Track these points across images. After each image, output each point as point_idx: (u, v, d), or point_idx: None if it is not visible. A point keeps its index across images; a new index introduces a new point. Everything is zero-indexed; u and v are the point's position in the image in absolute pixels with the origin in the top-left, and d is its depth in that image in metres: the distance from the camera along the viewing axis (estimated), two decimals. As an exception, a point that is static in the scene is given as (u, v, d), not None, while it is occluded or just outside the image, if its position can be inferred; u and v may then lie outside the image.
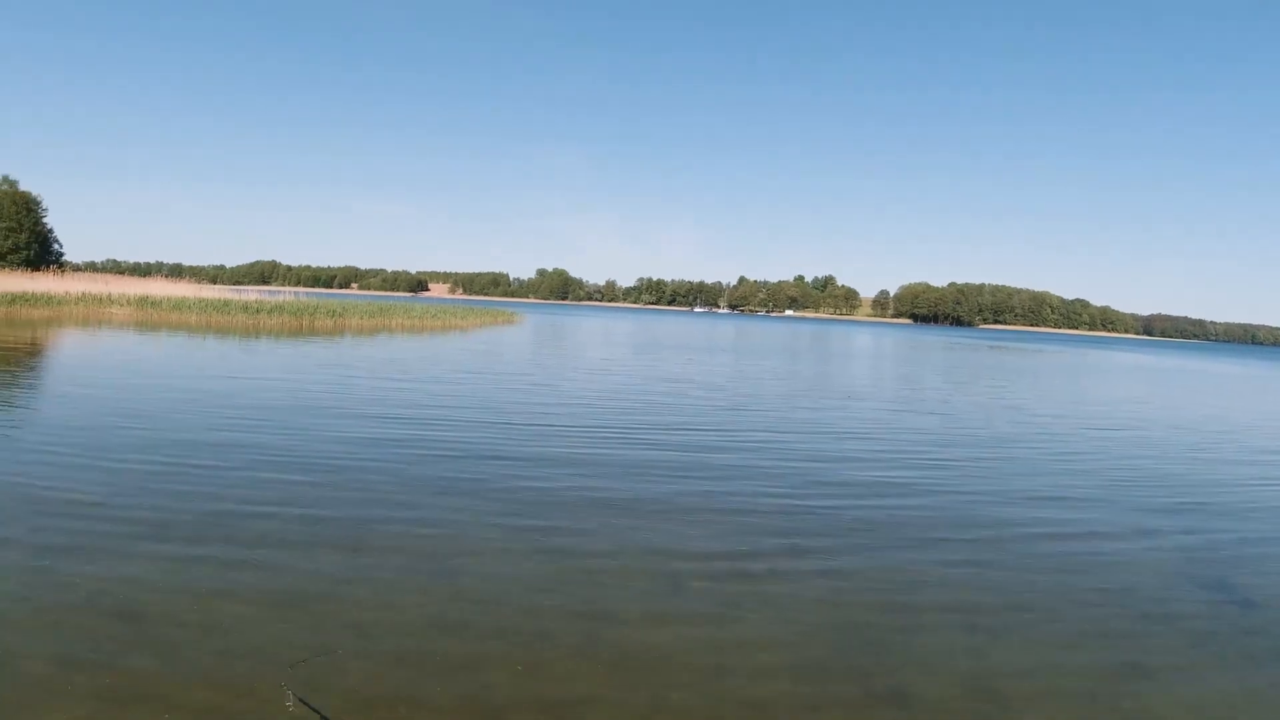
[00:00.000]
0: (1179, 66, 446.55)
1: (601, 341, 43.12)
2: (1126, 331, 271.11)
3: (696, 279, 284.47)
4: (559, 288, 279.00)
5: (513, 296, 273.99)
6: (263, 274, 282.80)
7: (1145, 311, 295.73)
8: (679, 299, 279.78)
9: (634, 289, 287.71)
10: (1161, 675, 4.93)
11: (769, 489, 9.21)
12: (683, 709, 4.23)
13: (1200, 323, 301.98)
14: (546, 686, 4.38)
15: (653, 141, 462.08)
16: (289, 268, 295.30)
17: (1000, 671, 4.87)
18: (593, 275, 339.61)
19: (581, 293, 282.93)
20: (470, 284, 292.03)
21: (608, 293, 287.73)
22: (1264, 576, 7.10)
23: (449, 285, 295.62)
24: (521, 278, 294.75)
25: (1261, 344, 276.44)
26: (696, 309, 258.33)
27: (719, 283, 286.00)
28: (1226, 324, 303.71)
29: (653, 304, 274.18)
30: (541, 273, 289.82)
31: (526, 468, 9.65)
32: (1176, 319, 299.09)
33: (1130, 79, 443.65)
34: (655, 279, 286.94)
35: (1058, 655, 5.15)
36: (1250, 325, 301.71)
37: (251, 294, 49.31)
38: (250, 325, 36.01)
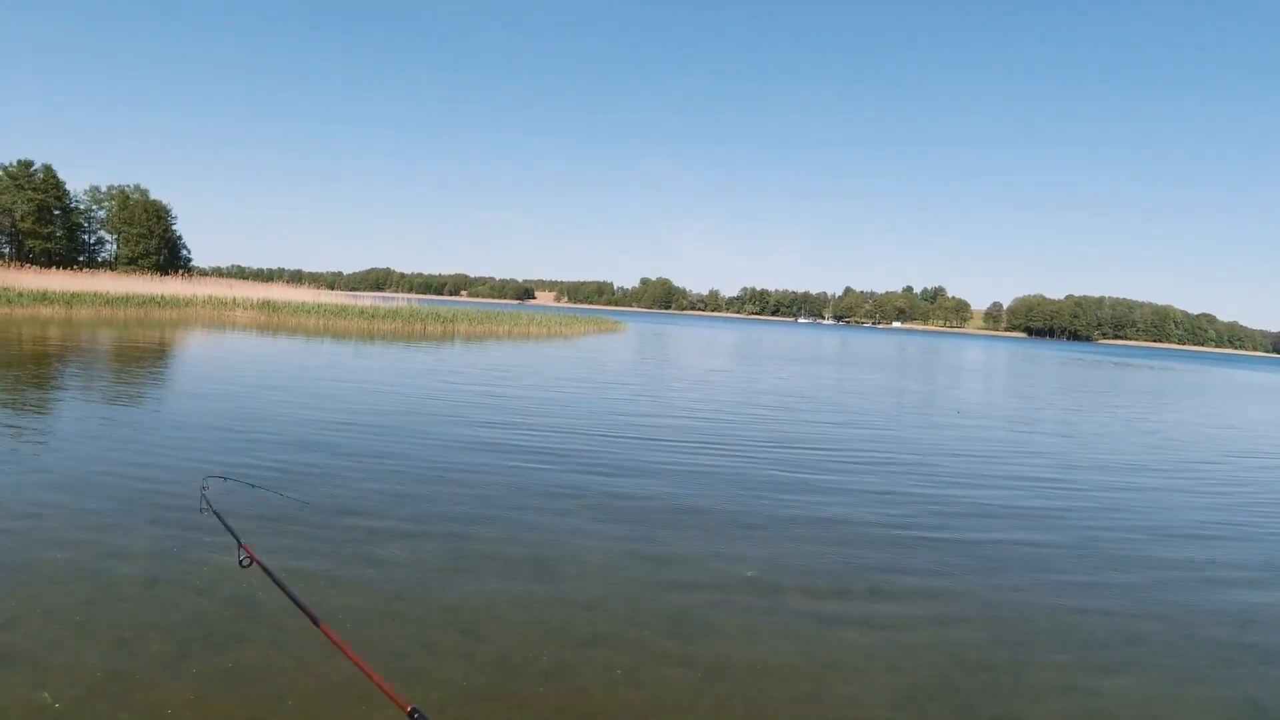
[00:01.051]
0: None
1: (704, 351, 42.94)
2: (1255, 349, 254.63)
3: (801, 289, 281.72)
4: (662, 297, 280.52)
5: (616, 305, 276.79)
6: (377, 280, 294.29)
7: (1275, 328, 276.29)
8: (783, 309, 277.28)
9: (737, 299, 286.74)
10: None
11: (873, 508, 9.00)
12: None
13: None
14: (641, 694, 4.40)
15: (756, 147, 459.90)
16: (402, 275, 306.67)
17: (1110, 709, 4.63)
18: (695, 285, 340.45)
19: (684, 302, 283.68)
20: (575, 292, 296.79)
21: (710, 302, 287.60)
22: None
23: (554, 293, 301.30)
24: (625, 287, 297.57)
25: None
26: (801, 320, 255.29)
27: (824, 293, 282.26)
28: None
29: (756, 314, 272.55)
30: (645, 282, 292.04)
31: (628, 477, 9.68)
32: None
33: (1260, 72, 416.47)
34: (759, 289, 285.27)
35: (1173, 697, 4.87)
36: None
37: (366, 299, 51.24)
38: (365, 329, 37.31)
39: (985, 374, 40.29)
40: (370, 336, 33.33)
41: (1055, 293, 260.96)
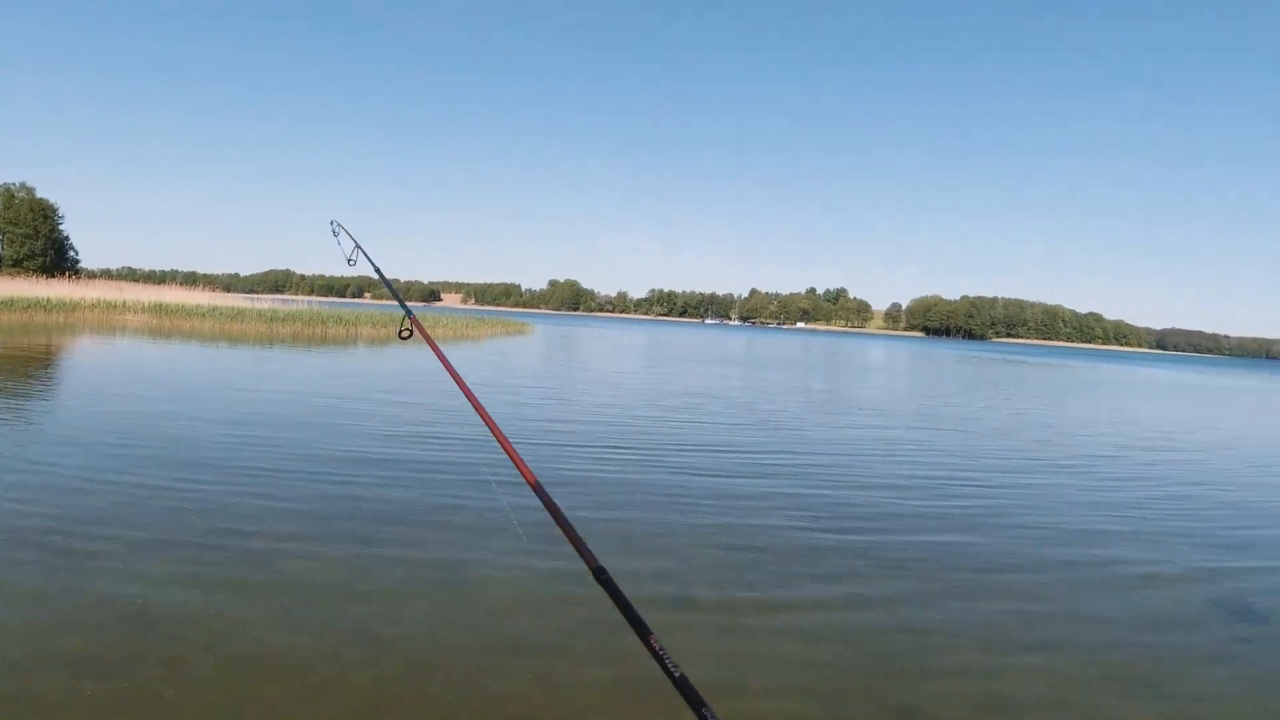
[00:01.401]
0: (1197, 72, 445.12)
1: (613, 353, 42.78)
2: (1140, 346, 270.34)
3: (708, 290, 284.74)
4: (570, 298, 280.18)
5: (524, 307, 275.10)
6: (276, 282, 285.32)
7: (1159, 325, 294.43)
8: (690, 310, 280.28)
9: (645, 300, 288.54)
10: None
11: (782, 509, 9.11)
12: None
13: (1215, 337, 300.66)
14: (556, 701, 4.35)
15: (665, 149, 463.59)
16: (302, 276, 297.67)
17: (1012, 695, 4.82)
18: (604, 287, 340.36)
19: (593, 304, 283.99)
20: (482, 294, 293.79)
21: (619, 304, 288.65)
22: None
23: (461, 295, 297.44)
24: (533, 288, 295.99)
25: (1277, 359, 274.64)
26: (708, 321, 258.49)
27: (730, 294, 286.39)
28: (1241, 338, 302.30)
29: (664, 315, 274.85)
30: (553, 284, 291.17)
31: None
32: (1190, 333, 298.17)
33: (1144, 85, 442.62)
34: (667, 290, 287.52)
35: (1071, 681, 5.08)
36: (1266, 339, 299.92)
37: (265, 302, 49.68)
38: (263, 333, 36.22)
39: (887, 373, 41.31)
40: (269, 340, 32.37)
41: (951, 293, 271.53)
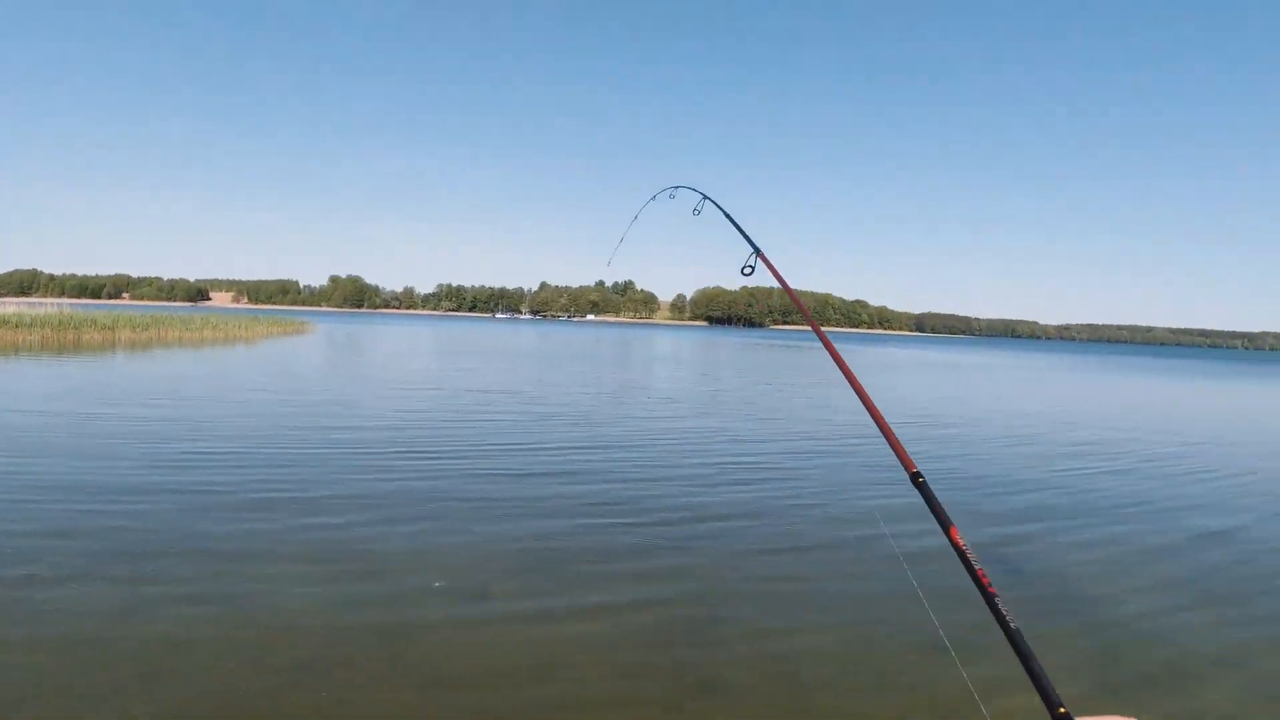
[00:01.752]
0: (976, 71, 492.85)
1: (401, 351, 41.65)
2: (902, 329, 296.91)
3: (498, 285, 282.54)
4: (353, 295, 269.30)
5: (304, 305, 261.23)
6: (22, 283, 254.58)
7: (917, 310, 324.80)
8: (480, 305, 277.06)
9: (433, 295, 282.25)
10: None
11: (578, 500, 9.45)
12: (502, 716, 4.33)
13: (966, 319, 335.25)
14: (356, 713, 4.32)
15: (454, 143, 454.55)
16: (52, 276, 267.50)
17: (798, 655, 5.31)
18: (389, 282, 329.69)
19: (378, 300, 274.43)
20: (256, 292, 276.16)
21: (406, 300, 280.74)
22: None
23: (233, 294, 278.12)
24: (313, 286, 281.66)
25: (1019, 336, 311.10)
26: (498, 315, 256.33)
27: (520, 288, 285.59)
28: (989, 319, 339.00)
29: (453, 311, 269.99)
30: (334, 280, 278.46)
31: (319, 492, 9.27)
32: (945, 316, 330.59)
33: (900, 88, 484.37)
34: (455, 285, 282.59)
35: (853, 639, 5.67)
36: (1009, 320, 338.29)
37: (9, 306, 45.00)
38: (6, 341, 33.04)
39: (675, 363, 42.63)
40: (13, 349, 29.55)
41: (731, 284, 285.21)
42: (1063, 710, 0.92)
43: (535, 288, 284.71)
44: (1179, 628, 6.13)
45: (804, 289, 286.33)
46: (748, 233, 3.81)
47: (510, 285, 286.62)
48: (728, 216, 4.12)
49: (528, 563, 6.96)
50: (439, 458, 11.60)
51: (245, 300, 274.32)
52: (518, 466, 11.06)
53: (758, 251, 3.41)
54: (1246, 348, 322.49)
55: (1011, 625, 0.97)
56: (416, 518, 8.21)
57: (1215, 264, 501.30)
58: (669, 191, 5.39)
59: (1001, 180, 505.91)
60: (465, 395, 20.44)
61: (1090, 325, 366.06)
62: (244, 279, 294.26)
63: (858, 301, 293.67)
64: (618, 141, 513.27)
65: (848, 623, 5.90)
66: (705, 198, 4.56)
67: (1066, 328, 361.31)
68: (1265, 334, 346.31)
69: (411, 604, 5.86)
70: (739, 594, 6.41)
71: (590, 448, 13.07)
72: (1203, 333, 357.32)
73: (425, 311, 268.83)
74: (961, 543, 1.24)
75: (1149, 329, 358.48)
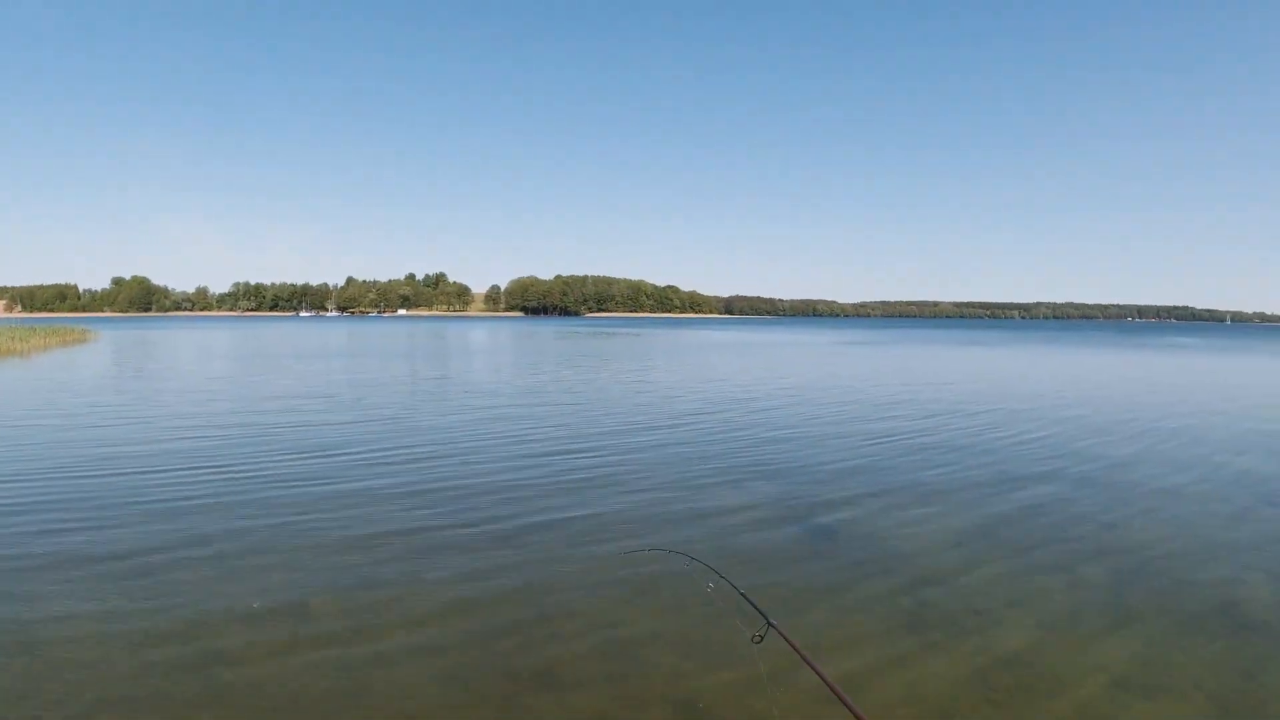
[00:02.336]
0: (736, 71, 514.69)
1: (197, 356, 38.51)
2: (712, 312, 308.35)
3: (301, 281, 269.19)
4: (140, 298, 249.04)
5: (84, 311, 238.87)
6: None
7: (726, 294, 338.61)
8: (282, 303, 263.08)
9: (230, 295, 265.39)
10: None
11: (395, 505, 9.25)
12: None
13: (772, 301, 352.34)
14: None
15: (250, 133, 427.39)
16: None
17: (627, 637, 5.42)
18: (180, 283, 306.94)
19: (168, 302, 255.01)
20: (31, 299, 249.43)
21: (199, 300, 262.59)
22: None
23: (4, 302, 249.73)
24: (94, 289, 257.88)
25: (820, 315, 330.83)
26: (303, 313, 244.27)
27: (325, 284, 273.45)
28: (792, 300, 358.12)
29: (253, 310, 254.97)
30: (118, 282, 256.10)
31: (108, 516, 8.61)
32: (752, 299, 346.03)
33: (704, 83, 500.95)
34: (254, 283, 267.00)
35: (683, 624, 5.83)
36: (811, 300, 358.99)
37: None
38: None
39: (493, 353, 42.13)
40: None
41: (546, 274, 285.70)
42: None
43: (341, 283, 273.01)
44: (976, 576, 6.77)
45: (619, 276, 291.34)
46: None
47: (314, 281, 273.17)
48: (738, 591, 4.11)
49: (348, 573, 6.74)
50: (244, 469, 10.86)
51: (19, 308, 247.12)
52: (330, 473, 10.61)
53: (771, 625, 3.44)
54: (1023, 317, 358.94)
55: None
56: (223, 536, 7.73)
57: (993, 242, 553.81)
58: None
59: (798, 169, 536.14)
60: (269, 400, 19.35)
61: (883, 302, 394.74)
62: (14, 285, 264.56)
63: (669, 287, 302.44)
64: (422, 129, 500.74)
65: (676, 606, 6.05)
66: (714, 572, 4.48)
67: (863, 305, 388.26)
68: (1039, 304, 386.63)
69: (225, 629, 5.55)
70: (568, 586, 6.45)
71: (407, 447, 12.73)
72: (984, 305, 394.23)
73: (222, 312, 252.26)
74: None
75: (935, 304, 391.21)
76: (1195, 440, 14.25)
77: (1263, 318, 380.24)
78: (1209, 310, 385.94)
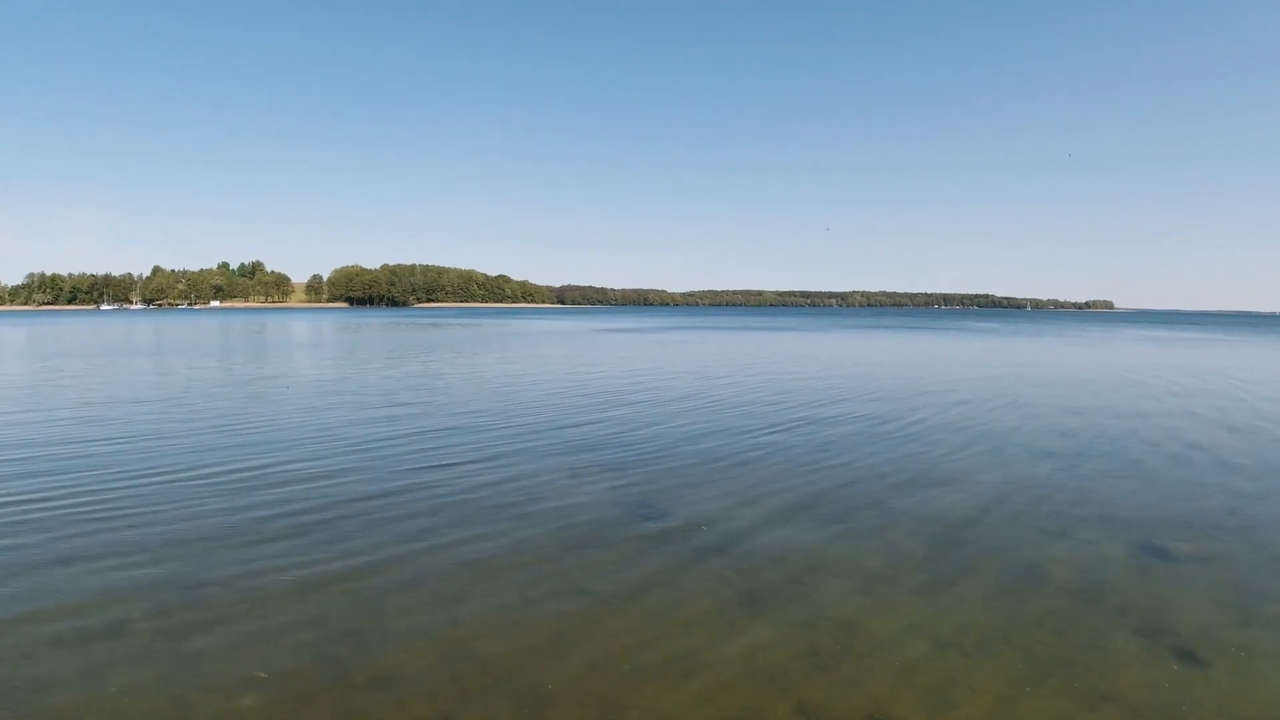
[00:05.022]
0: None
1: None
2: (544, 301, 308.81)
3: (103, 272, 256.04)
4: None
5: None
6: None
7: (558, 283, 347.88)
8: (82, 296, 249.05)
9: (23, 288, 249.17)
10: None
11: (219, 503, 8.70)
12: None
13: (604, 290, 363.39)
14: None
15: (37, 103, 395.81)
16: None
17: (465, 625, 5.37)
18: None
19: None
20: None
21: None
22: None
23: None
24: None
25: (651, 304, 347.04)
26: (105, 306, 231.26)
27: (130, 274, 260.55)
28: (623, 290, 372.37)
29: (49, 304, 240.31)
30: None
31: None
32: (584, 288, 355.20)
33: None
34: (50, 274, 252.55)
35: (518, 605, 5.80)
36: (642, 289, 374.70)
37: None
38: None
39: (315, 346, 40.44)
40: None
41: (372, 263, 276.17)
42: None
43: (148, 273, 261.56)
44: (802, 550, 7.04)
45: (449, 265, 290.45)
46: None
47: (117, 271, 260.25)
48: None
49: (164, 579, 6.30)
50: (30, 482, 9.96)
51: None
52: (137, 476, 9.86)
53: None
54: (840, 305, 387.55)
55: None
56: (36, 547, 7.08)
57: (810, 235, 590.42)
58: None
59: (627, 162, 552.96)
60: (63, 410, 17.66)
61: (711, 291, 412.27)
62: None
63: (501, 277, 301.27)
64: (235, 104, 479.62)
65: (512, 586, 6.07)
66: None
67: (691, 294, 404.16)
68: (854, 293, 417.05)
69: (35, 653, 5.06)
70: (401, 580, 6.28)
71: (231, 446, 11.98)
72: (804, 294, 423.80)
73: (14, 307, 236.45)
74: None
75: (760, 293, 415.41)
76: (1007, 414, 15.37)
77: (1057, 304, 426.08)
78: (1008, 298, 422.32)
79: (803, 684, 4.71)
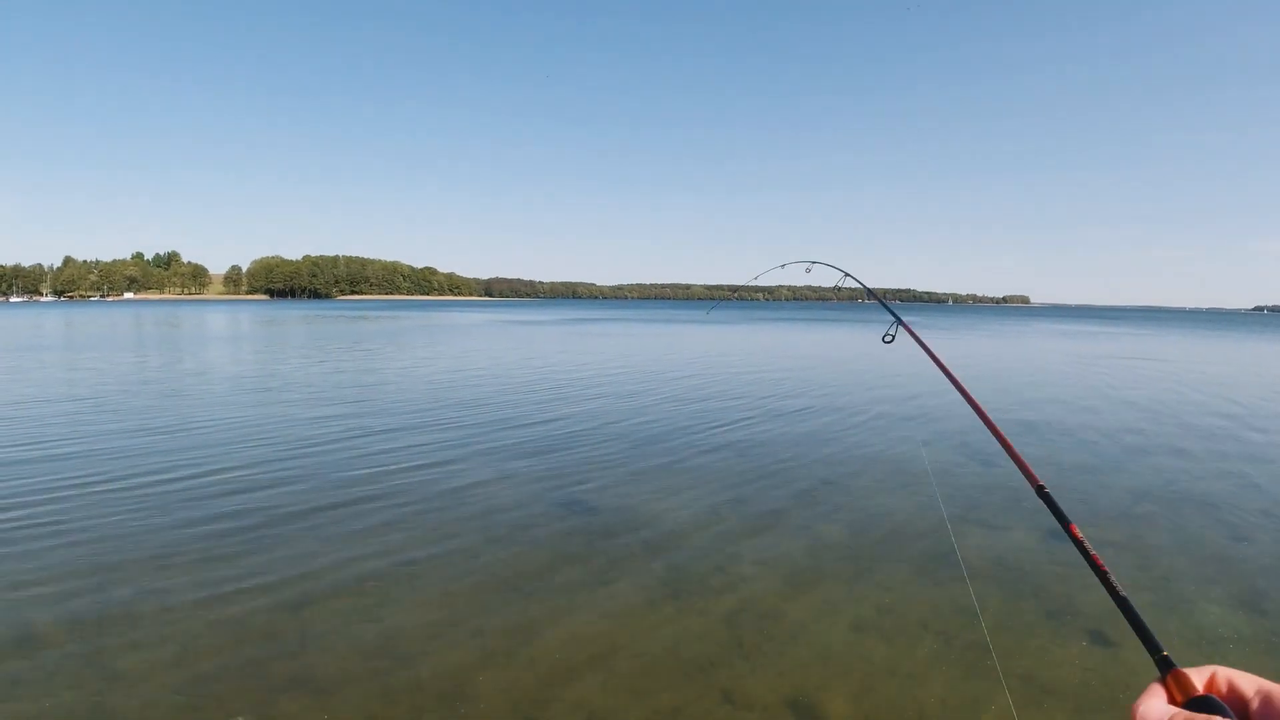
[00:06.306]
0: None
1: None
2: (472, 294, 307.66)
3: (10, 262, 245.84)
4: None
5: None
6: None
7: (485, 276, 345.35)
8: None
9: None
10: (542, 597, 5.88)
11: (131, 506, 8.36)
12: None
13: (531, 283, 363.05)
14: None
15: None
16: None
17: (394, 630, 5.28)
18: None
19: None
20: None
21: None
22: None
23: None
24: None
25: (580, 297, 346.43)
26: (13, 299, 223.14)
27: (40, 265, 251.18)
28: (552, 283, 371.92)
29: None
30: None
31: None
32: (512, 281, 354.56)
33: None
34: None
35: (442, 605, 5.76)
36: (571, 283, 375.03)
37: None
38: None
39: (233, 340, 39.40)
40: None
41: (293, 254, 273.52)
42: (1165, 653, 0.91)
43: (59, 264, 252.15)
44: (725, 540, 7.17)
45: (374, 257, 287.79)
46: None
47: (26, 262, 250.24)
48: (869, 291, 4.88)
49: (72, 585, 6.04)
50: None
51: None
52: (50, 480, 9.47)
53: (899, 321, 3.76)
54: (766, 299, 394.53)
55: (1120, 594, 1.09)
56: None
57: (740, 230, 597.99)
58: (805, 266, 5.95)
59: (557, 158, 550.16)
60: None
61: (639, 285, 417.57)
62: None
63: (427, 268, 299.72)
64: (150, 89, 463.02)
65: (436, 585, 6.02)
66: (847, 274, 5.30)
67: (620, 288, 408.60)
68: (780, 287, 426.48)
69: None
70: (327, 584, 6.14)
71: (149, 446, 11.53)
72: (731, 288, 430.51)
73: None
74: (1080, 537, 1.37)
75: (688, 286, 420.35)
76: (926, 406, 15.91)
77: (976, 299, 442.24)
78: (929, 292, 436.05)
79: (727, 672, 4.80)
